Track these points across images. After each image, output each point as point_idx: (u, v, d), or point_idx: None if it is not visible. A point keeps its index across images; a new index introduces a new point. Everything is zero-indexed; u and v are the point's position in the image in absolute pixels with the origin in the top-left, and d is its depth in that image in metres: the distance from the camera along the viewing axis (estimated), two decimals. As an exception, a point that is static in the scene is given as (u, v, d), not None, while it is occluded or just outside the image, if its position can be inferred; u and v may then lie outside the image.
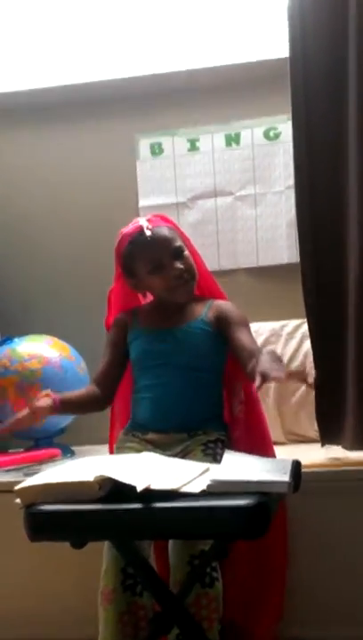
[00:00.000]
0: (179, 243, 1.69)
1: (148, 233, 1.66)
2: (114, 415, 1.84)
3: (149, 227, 1.67)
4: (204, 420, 1.67)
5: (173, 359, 1.67)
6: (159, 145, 2.41)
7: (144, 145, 2.42)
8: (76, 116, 2.47)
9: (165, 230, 1.69)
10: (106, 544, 1.55)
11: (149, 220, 1.71)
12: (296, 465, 1.43)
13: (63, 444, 2.23)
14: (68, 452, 2.19)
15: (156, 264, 1.67)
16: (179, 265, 1.67)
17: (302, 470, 1.47)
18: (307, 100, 1.80)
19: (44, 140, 2.50)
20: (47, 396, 1.66)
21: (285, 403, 2.22)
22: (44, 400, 1.65)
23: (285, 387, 2.21)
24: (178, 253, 1.68)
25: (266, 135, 2.34)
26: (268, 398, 2.19)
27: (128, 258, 1.71)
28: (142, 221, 1.70)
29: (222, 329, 1.69)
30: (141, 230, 1.68)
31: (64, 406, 1.68)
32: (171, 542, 1.56)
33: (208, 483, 1.31)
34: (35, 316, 2.46)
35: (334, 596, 1.79)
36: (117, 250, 1.74)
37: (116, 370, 1.77)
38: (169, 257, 1.67)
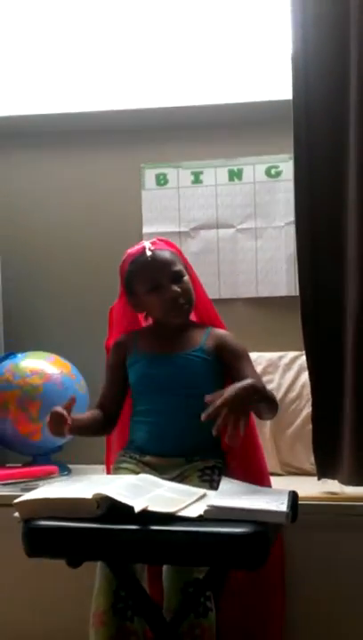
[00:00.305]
0: (179, 267, 1.73)
1: (148, 253, 1.72)
2: (110, 436, 1.87)
3: (151, 248, 1.73)
4: (201, 447, 1.69)
5: (172, 385, 1.69)
6: (164, 176, 2.48)
7: (150, 175, 2.48)
8: (85, 144, 2.52)
9: (166, 253, 1.74)
10: (99, 565, 1.55)
11: (153, 243, 1.76)
12: (293, 496, 1.45)
13: (60, 462, 2.25)
14: (64, 470, 2.21)
15: (154, 284, 1.71)
16: (176, 288, 1.70)
17: (299, 502, 1.47)
18: (309, 141, 1.84)
19: (54, 165, 2.55)
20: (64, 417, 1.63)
21: (281, 434, 2.23)
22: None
23: (281, 418, 2.22)
24: (176, 277, 1.72)
25: (267, 173, 2.40)
26: (264, 428, 2.20)
27: (129, 276, 1.76)
28: (146, 243, 1.76)
29: (223, 359, 1.72)
30: (143, 251, 1.73)
31: (74, 430, 1.68)
32: (165, 567, 1.56)
33: (206, 508, 1.33)
34: (39, 334, 2.49)
35: (332, 630, 1.78)
36: (121, 268, 1.79)
37: (119, 393, 1.80)
38: (167, 279, 1.71)
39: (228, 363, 1.72)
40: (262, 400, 1.56)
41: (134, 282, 1.76)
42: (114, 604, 1.52)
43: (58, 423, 1.61)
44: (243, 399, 1.48)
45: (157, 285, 1.72)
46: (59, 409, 1.62)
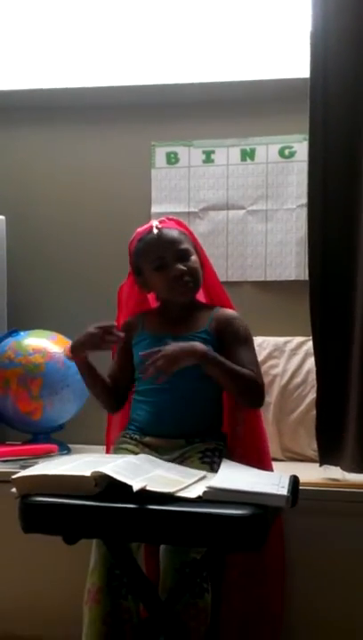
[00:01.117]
0: (186, 246, 1.72)
1: (155, 231, 1.71)
2: (111, 416, 1.86)
3: (159, 226, 1.72)
4: (202, 429, 1.68)
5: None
6: (175, 154, 2.44)
7: (160, 153, 2.45)
8: (96, 120, 2.49)
9: (173, 232, 1.73)
10: (95, 542, 1.55)
11: (161, 222, 1.75)
12: (294, 480, 1.44)
13: (60, 441, 2.24)
14: (64, 449, 2.20)
15: (159, 262, 1.70)
16: (181, 266, 1.69)
17: (300, 488, 1.47)
18: (325, 122, 1.82)
19: (62, 142, 2.52)
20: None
21: (284, 419, 2.22)
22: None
23: (285, 403, 2.22)
24: (182, 255, 1.71)
25: (281, 153, 2.36)
26: (267, 413, 2.19)
27: (136, 255, 1.75)
28: (154, 222, 1.75)
29: (224, 340, 1.71)
30: (151, 229, 1.72)
31: (88, 368, 1.74)
32: (162, 547, 1.56)
33: (205, 489, 1.32)
34: (42, 312, 2.47)
35: (332, 616, 1.78)
36: (129, 247, 1.78)
37: (126, 374, 1.79)
38: (173, 257, 1.70)
39: (227, 345, 1.70)
40: (205, 364, 1.60)
41: (141, 260, 1.74)
42: (109, 581, 1.52)
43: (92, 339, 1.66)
44: (177, 356, 1.57)
45: (163, 264, 1.70)
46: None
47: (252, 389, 1.65)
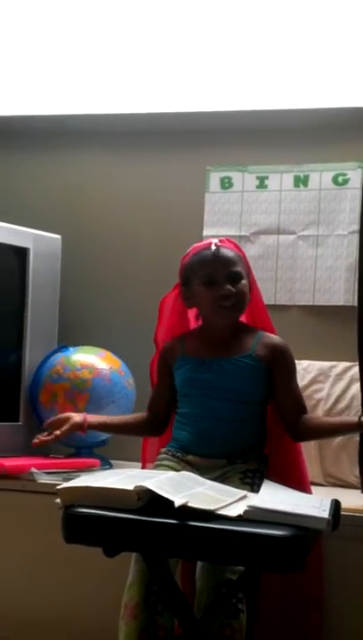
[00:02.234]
0: (239, 268, 1.73)
1: (213, 248, 1.72)
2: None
3: (218, 244, 1.74)
4: (244, 450, 1.69)
5: (218, 390, 1.69)
6: (229, 179, 2.48)
7: (214, 178, 2.49)
8: (153, 145, 2.55)
9: (230, 252, 1.74)
10: (133, 557, 1.56)
11: (221, 241, 1.77)
12: (336, 504, 1.43)
13: (103, 456, 2.27)
14: (106, 464, 2.23)
15: (209, 278, 1.71)
16: (230, 287, 1.70)
17: (341, 513, 1.45)
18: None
19: (119, 165, 2.59)
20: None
21: (327, 444, 2.20)
22: (78, 415, 1.81)
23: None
24: (234, 277, 1.71)
25: (334, 180, 2.37)
26: (310, 438, 2.19)
27: (189, 267, 1.76)
28: (214, 240, 1.77)
29: (273, 371, 1.72)
30: (209, 245, 1.74)
31: (93, 426, 1.82)
32: (199, 565, 1.56)
33: (246, 509, 1.32)
34: (92, 329, 2.53)
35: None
36: (182, 259, 1.80)
37: (167, 397, 1.81)
38: (224, 276, 1.71)
39: (279, 375, 1.72)
40: None
41: (192, 273, 1.75)
42: (146, 597, 1.53)
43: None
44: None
45: (213, 280, 1.71)
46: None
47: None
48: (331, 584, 1.76)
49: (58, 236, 2.44)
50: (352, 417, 1.74)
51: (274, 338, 1.77)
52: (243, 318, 1.83)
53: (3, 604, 2.03)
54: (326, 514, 1.31)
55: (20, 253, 2.33)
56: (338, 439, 2.18)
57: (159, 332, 1.89)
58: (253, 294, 1.79)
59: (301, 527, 1.27)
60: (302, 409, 1.72)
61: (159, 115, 2.48)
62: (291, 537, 1.24)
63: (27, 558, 2.02)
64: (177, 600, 1.45)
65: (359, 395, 1.87)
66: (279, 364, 1.72)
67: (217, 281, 1.71)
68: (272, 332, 1.80)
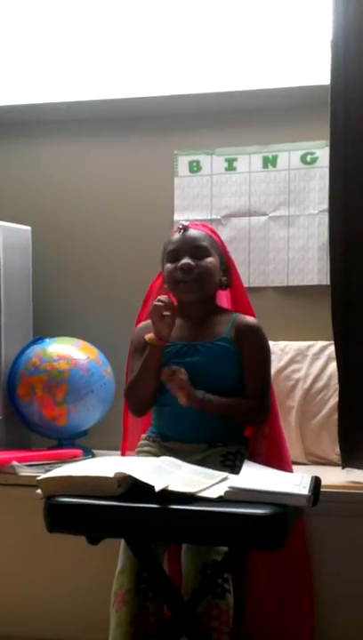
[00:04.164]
0: (203, 245, 1.73)
1: (179, 227, 1.75)
2: (127, 422, 1.89)
3: (186, 224, 1.76)
4: (224, 433, 1.69)
5: (195, 373, 1.68)
6: (198, 163, 2.47)
7: (183, 162, 2.48)
8: (119, 130, 2.54)
9: (196, 232, 1.76)
10: (122, 545, 1.57)
11: (193, 224, 1.79)
12: (316, 481, 1.44)
13: (84, 447, 2.26)
14: (88, 454, 2.21)
15: (172, 255, 1.73)
16: (189, 261, 1.71)
17: (322, 490, 1.47)
18: (345, 127, 1.83)
19: (86, 153, 2.57)
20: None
21: (307, 423, 2.21)
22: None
23: (307, 407, 2.22)
24: (196, 253, 1.72)
25: (303, 159, 2.38)
26: (290, 417, 2.20)
27: (163, 249, 1.78)
28: (186, 222, 1.79)
29: (241, 348, 1.71)
30: (179, 227, 1.76)
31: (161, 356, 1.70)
32: (184, 549, 1.57)
33: (226, 489, 1.33)
34: (67, 319, 2.51)
35: (359, 616, 1.77)
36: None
37: None
38: (186, 252, 1.72)
39: (245, 359, 1.71)
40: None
41: (163, 254, 1.78)
42: (137, 584, 1.54)
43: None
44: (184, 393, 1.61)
45: (176, 257, 1.73)
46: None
47: (251, 418, 1.72)
48: (316, 559, 1.78)
49: (28, 228, 2.42)
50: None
51: (248, 318, 1.77)
52: (225, 303, 1.84)
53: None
54: (306, 490, 1.32)
55: (-10, 246, 2.31)
56: (318, 417, 2.20)
57: (142, 316, 1.89)
58: (233, 279, 1.80)
59: (281, 505, 1.28)
60: (251, 393, 1.70)
61: (124, 100, 2.46)
62: (271, 515, 1.25)
63: (11, 551, 2.02)
64: (163, 583, 1.46)
65: (337, 373, 1.87)
66: (247, 343, 1.72)
67: (178, 257, 1.73)
68: (252, 315, 1.80)
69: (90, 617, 1.85)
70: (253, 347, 1.72)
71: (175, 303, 1.70)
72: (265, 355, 1.75)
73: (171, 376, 1.61)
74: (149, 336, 1.68)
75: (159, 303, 1.65)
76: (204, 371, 1.68)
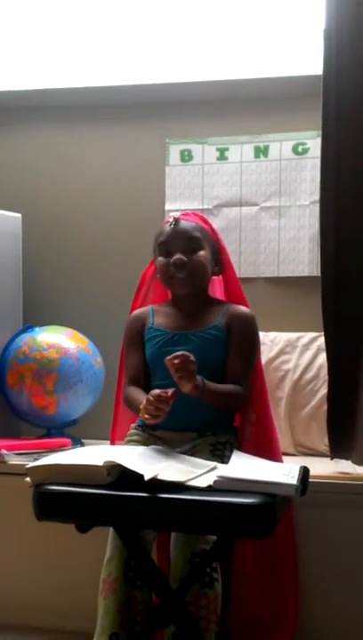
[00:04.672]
0: (195, 238, 1.72)
1: (170, 220, 1.74)
2: (117, 411, 1.88)
3: (177, 216, 1.75)
4: (213, 423, 1.69)
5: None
6: (189, 152, 2.46)
7: (174, 151, 2.47)
8: (110, 118, 2.52)
9: (188, 224, 1.74)
10: (111, 533, 1.57)
11: (184, 214, 1.78)
12: (304, 471, 1.45)
13: (74, 436, 2.26)
14: (77, 444, 2.22)
15: (164, 248, 1.73)
16: (181, 256, 1.70)
17: (310, 480, 1.48)
18: (338, 118, 1.83)
19: (76, 140, 2.55)
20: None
21: (296, 414, 2.22)
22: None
23: (297, 398, 2.22)
24: (188, 246, 1.72)
25: (294, 150, 2.38)
26: (279, 408, 2.20)
27: (155, 242, 1.77)
28: (177, 213, 1.77)
29: (229, 334, 1.71)
30: (170, 219, 1.75)
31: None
32: (173, 538, 1.57)
33: (215, 479, 1.33)
34: (57, 308, 2.51)
35: (344, 606, 1.79)
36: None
37: (144, 365, 1.78)
38: (177, 246, 1.71)
39: (233, 346, 1.71)
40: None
41: (155, 246, 1.77)
42: (125, 572, 1.54)
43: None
44: (187, 379, 1.54)
45: (167, 251, 1.73)
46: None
47: (238, 405, 1.71)
48: (304, 549, 1.79)
49: (18, 215, 2.40)
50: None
51: (241, 308, 1.77)
52: (219, 294, 1.84)
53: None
54: (294, 480, 1.32)
55: (-20, 234, 2.30)
56: (307, 408, 2.21)
57: (136, 305, 1.89)
58: (227, 270, 1.80)
59: (270, 494, 1.29)
60: (235, 378, 1.69)
61: (116, 87, 2.44)
62: (260, 504, 1.26)
63: (0, 539, 2.02)
64: (152, 572, 1.46)
65: (326, 364, 1.88)
66: (237, 330, 1.71)
67: (170, 251, 1.72)
68: (245, 304, 1.80)
69: (78, 605, 1.86)
70: (242, 333, 1.72)
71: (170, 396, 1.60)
72: (254, 343, 1.75)
73: (182, 364, 1.53)
74: (142, 412, 1.59)
75: (162, 406, 1.55)
76: (195, 357, 1.65)
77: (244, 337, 1.72)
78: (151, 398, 1.55)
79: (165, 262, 1.73)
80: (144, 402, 1.57)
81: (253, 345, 1.74)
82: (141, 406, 1.58)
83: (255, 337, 1.76)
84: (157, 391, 1.56)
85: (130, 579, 1.53)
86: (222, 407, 1.69)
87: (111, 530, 1.56)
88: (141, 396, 1.65)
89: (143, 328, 1.79)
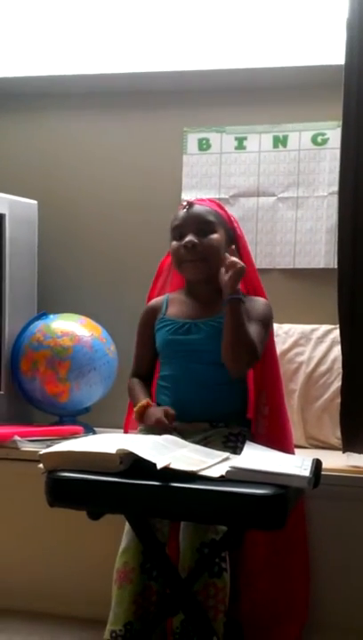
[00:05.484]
0: (208, 220, 1.71)
1: (183, 203, 1.74)
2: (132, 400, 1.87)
3: (191, 201, 1.74)
4: (226, 414, 1.69)
5: (198, 352, 1.68)
6: (207, 141, 2.44)
7: (192, 139, 2.45)
8: (129, 105, 2.51)
9: (200, 208, 1.73)
10: (127, 524, 1.57)
11: (199, 200, 1.77)
12: (317, 463, 1.44)
13: (86, 423, 2.27)
14: (89, 431, 2.22)
15: (178, 232, 1.72)
16: (193, 238, 1.68)
17: (322, 473, 1.47)
18: (359, 108, 1.81)
19: (94, 127, 2.54)
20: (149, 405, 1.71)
21: (309, 406, 2.21)
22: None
23: (310, 390, 2.21)
24: (201, 229, 1.70)
25: (314, 140, 2.35)
26: (292, 400, 2.19)
27: (170, 227, 1.76)
28: (193, 199, 1.77)
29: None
30: (185, 204, 1.75)
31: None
32: (183, 527, 1.57)
33: (227, 469, 1.33)
34: (72, 296, 2.50)
35: (355, 600, 1.78)
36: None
37: (148, 359, 1.81)
38: (190, 230, 1.70)
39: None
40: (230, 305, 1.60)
41: (170, 232, 1.76)
42: (142, 563, 1.55)
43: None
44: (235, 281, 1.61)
45: (181, 234, 1.72)
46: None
47: (247, 352, 1.61)
48: (316, 542, 1.79)
49: (34, 202, 2.40)
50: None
51: (254, 298, 1.74)
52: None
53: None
54: (307, 472, 1.32)
55: (-4, 220, 2.29)
56: (320, 401, 2.20)
57: (153, 294, 1.88)
58: (244, 259, 1.75)
59: (282, 485, 1.28)
60: None
61: (134, 75, 2.42)
62: (272, 495, 1.25)
63: (12, 526, 2.03)
64: (161, 560, 1.46)
65: (340, 357, 1.87)
66: (250, 312, 1.65)
67: (182, 234, 1.71)
68: (262, 295, 1.78)
69: (91, 593, 1.87)
70: (255, 310, 1.67)
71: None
72: (266, 320, 1.68)
73: (236, 268, 1.59)
74: (136, 413, 1.69)
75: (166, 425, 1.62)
76: (202, 347, 1.68)
77: (256, 311, 1.67)
78: (166, 419, 1.63)
79: (176, 245, 1.72)
80: (143, 402, 1.69)
81: (265, 317, 1.68)
82: (137, 405, 1.70)
83: (269, 314, 1.71)
84: (172, 412, 1.64)
85: (146, 569, 1.54)
86: (238, 345, 1.59)
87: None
88: (140, 394, 1.75)
89: (155, 319, 1.78)
